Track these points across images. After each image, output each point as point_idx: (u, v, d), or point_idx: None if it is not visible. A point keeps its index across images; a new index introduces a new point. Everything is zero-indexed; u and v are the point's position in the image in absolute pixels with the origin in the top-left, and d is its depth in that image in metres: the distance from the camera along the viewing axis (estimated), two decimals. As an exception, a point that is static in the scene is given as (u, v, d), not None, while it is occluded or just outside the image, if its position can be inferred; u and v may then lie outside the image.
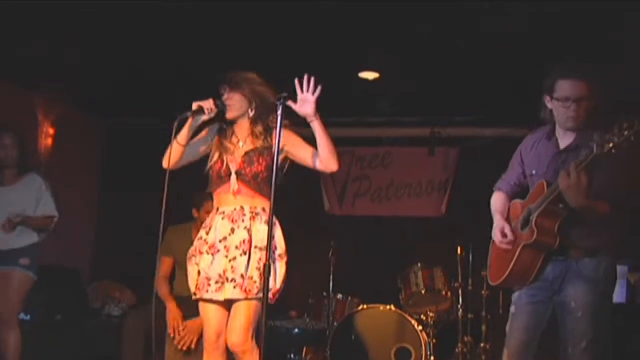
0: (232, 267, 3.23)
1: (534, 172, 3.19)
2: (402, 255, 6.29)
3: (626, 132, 2.61)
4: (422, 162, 7.14)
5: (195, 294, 3.32)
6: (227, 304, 3.29)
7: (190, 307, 4.13)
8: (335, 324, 5.56)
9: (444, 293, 5.68)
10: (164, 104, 5.64)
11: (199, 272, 3.30)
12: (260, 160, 3.33)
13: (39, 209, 4.66)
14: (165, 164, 3.31)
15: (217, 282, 3.24)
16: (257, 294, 3.19)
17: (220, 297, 3.24)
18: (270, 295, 3.13)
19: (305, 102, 3.20)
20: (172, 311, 4.68)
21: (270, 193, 3.07)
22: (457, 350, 5.66)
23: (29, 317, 5.39)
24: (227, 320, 3.30)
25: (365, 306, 5.55)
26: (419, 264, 5.76)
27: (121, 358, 4.82)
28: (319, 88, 3.18)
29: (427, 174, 7.18)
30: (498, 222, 3.24)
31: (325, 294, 5.81)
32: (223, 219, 3.31)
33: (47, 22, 4.81)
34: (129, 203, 6.91)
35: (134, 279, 6.04)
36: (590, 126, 2.94)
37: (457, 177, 7.07)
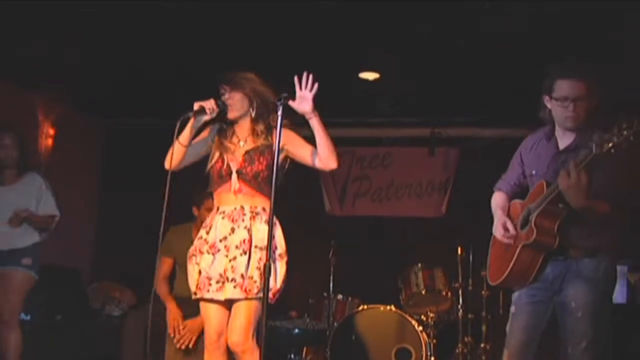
0: (232, 267, 3.23)
1: (533, 172, 3.19)
2: (402, 256, 6.29)
3: (625, 132, 2.61)
4: (422, 162, 7.14)
5: (195, 293, 3.32)
6: (228, 304, 3.29)
7: (190, 307, 4.13)
8: (336, 324, 5.56)
9: (444, 293, 5.68)
10: (164, 104, 5.65)
11: (200, 272, 3.30)
12: (261, 160, 3.34)
13: (39, 208, 4.66)
14: (167, 165, 3.32)
15: (217, 282, 3.25)
16: (257, 293, 3.19)
17: (221, 296, 3.24)
18: (271, 294, 3.13)
19: (303, 99, 3.21)
20: (172, 311, 4.68)
21: (270, 192, 3.08)
22: (457, 350, 5.66)
23: (29, 317, 5.39)
24: (228, 320, 3.30)
25: (365, 306, 5.55)
26: (419, 264, 5.75)
27: (121, 358, 4.82)
28: (316, 85, 3.19)
29: (427, 174, 7.18)
30: (499, 217, 3.23)
31: (325, 294, 5.81)
32: (223, 218, 3.31)
33: (47, 22, 4.81)
34: (129, 203, 6.91)
35: (134, 279, 6.04)
36: (589, 126, 2.94)
37: (457, 178, 7.07)
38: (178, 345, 4.55)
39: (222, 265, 3.25)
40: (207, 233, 3.35)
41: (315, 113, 3.24)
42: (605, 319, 2.99)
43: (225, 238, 3.28)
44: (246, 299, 3.21)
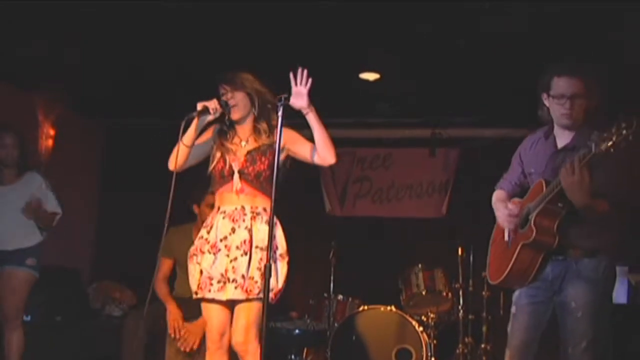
0: (232, 268, 3.23)
1: (532, 170, 3.19)
2: (403, 256, 6.28)
3: (624, 132, 2.60)
4: (422, 163, 7.14)
5: (196, 293, 3.32)
6: (230, 304, 3.29)
7: (191, 308, 4.13)
8: (336, 324, 5.56)
9: (444, 294, 5.67)
10: (164, 104, 5.67)
11: (201, 271, 3.31)
12: (263, 159, 3.35)
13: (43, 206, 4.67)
14: (171, 166, 3.31)
15: (219, 282, 3.25)
16: (258, 294, 3.19)
17: (222, 297, 3.25)
18: (272, 295, 3.14)
19: (298, 94, 3.21)
20: (172, 312, 4.68)
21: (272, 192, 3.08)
22: (457, 351, 5.65)
23: (29, 318, 5.38)
24: (230, 320, 3.31)
25: (365, 307, 5.55)
26: (420, 265, 5.75)
27: (121, 358, 4.81)
28: (311, 80, 3.19)
29: (428, 175, 7.17)
30: (500, 208, 3.22)
31: (325, 294, 5.81)
32: (224, 218, 3.31)
33: (47, 22, 4.80)
34: (129, 203, 6.92)
35: (134, 279, 6.04)
36: (588, 126, 2.94)
37: (457, 178, 7.07)
38: (182, 349, 4.55)
39: (223, 265, 3.25)
40: (208, 232, 3.35)
41: (311, 108, 3.24)
42: (605, 319, 2.99)
43: (225, 238, 3.28)
44: (247, 299, 3.22)
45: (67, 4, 4.49)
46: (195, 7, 4.57)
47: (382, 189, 7.30)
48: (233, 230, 3.28)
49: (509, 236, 3.17)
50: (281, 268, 3.28)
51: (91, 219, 7.48)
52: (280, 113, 3.12)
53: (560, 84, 3.00)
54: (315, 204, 7.26)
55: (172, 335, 4.61)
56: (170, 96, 5.62)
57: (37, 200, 4.57)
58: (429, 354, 5.31)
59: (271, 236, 3.06)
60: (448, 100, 6.29)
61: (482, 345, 5.67)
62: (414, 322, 5.38)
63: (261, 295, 3.13)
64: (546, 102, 3.10)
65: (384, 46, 5.15)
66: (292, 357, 5.75)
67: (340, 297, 5.83)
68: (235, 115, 3.38)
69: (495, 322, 5.59)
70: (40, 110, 6.36)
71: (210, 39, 5.07)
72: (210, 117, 3.32)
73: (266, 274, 2.97)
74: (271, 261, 3.02)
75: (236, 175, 3.33)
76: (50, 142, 6.50)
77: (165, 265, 4.86)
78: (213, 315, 3.34)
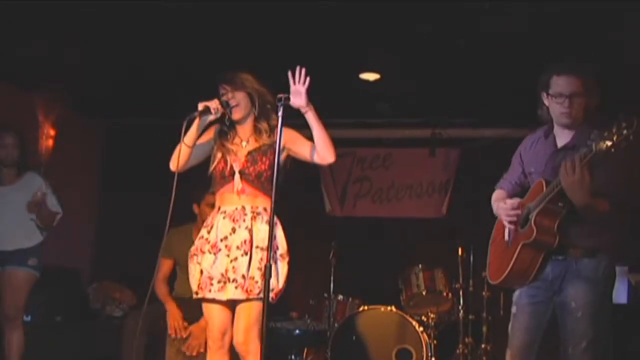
0: (233, 268, 3.24)
1: (532, 169, 3.19)
2: (403, 256, 6.28)
3: (625, 131, 2.60)
4: (422, 163, 7.14)
5: (197, 293, 3.32)
6: (230, 304, 3.30)
7: (191, 308, 4.13)
8: (336, 324, 5.56)
9: (444, 294, 5.67)
10: (164, 104, 5.68)
11: (201, 271, 3.31)
12: (264, 159, 3.35)
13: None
14: (173, 167, 3.31)
15: (219, 282, 3.25)
16: (258, 294, 3.19)
17: (223, 297, 3.25)
18: (272, 295, 3.14)
19: (297, 93, 3.21)
20: (172, 312, 4.68)
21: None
22: (457, 351, 5.65)
23: (29, 318, 5.38)
24: (231, 319, 3.31)
25: (366, 307, 5.54)
26: (420, 265, 5.75)
27: (121, 358, 4.81)
28: (309, 78, 3.19)
29: (428, 175, 7.18)
30: (500, 206, 3.22)
31: (325, 294, 5.81)
32: (224, 218, 3.31)
33: (47, 22, 4.81)
34: (129, 203, 6.92)
35: (134, 279, 6.03)
36: (588, 124, 2.94)
37: (457, 178, 7.07)
38: (188, 353, 4.55)
39: (223, 265, 3.25)
40: (209, 232, 3.35)
41: (310, 107, 3.24)
42: (605, 319, 2.98)
43: (225, 238, 3.28)
44: (248, 299, 3.22)
45: (67, 4, 4.49)
46: (195, 7, 4.57)
47: (382, 189, 7.30)
48: (233, 230, 3.28)
49: (509, 236, 3.17)
50: (281, 268, 3.28)
51: (91, 219, 7.48)
52: (280, 113, 3.12)
53: (560, 83, 3.00)
54: (315, 204, 7.26)
55: (172, 336, 4.62)
56: (170, 96, 5.63)
57: (42, 193, 4.57)
58: (429, 354, 5.31)
59: (271, 236, 3.06)
60: (448, 100, 6.29)
61: (482, 346, 5.67)
62: (414, 322, 5.38)
63: (261, 295, 3.13)
64: (546, 102, 3.10)
65: (384, 46, 5.15)
66: (292, 357, 5.76)
67: (340, 297, 5.83)
68: (236, 115, 3.39)
69: (496, 322, 5.59)
70: (40, 110, 6.35)
71: (210, 39, 5.07)
72: (211, 117, 3.33)
73: (266, 274, 2.98)
74: (271, 261, 3.02)
75: (237, 176, 3.33)
76: (50, 142, 6.49)
77: (165, 266, 4.86)
78: (214, 315, 3.34)
